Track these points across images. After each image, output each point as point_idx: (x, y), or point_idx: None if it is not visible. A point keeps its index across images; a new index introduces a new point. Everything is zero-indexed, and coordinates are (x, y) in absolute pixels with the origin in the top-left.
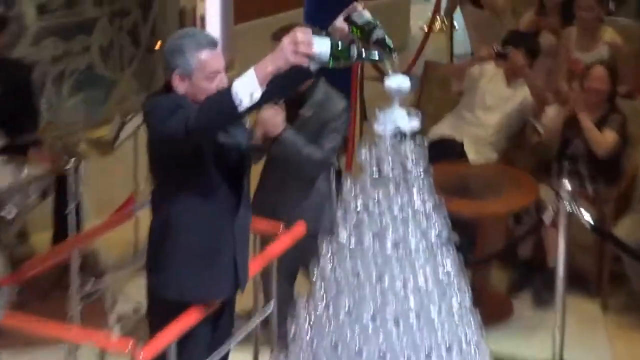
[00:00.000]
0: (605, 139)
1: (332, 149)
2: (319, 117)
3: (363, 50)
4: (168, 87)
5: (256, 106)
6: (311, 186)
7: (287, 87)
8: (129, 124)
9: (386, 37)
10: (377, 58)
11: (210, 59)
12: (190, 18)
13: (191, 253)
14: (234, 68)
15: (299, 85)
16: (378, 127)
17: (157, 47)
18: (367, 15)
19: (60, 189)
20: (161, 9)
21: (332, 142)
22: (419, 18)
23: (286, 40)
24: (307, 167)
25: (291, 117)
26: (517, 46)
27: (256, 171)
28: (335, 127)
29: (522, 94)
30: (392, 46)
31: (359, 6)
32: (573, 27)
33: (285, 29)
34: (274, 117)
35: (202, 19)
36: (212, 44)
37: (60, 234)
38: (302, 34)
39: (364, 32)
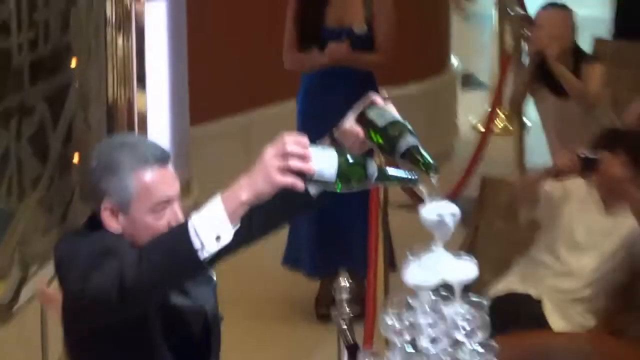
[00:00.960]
0: None
1: None
2: None
3: (386, 166)
4: (93, 224)
5: (227, 252)
6: None
7: (273, 224)
8: (34, 279)
9: (420, 145)
10: (407, 177)
11: (158, 181)
12: (123, 117)
13: None
14: (191, 193)
15: (291, 218)
16: (412, 280)
17: (75, 161)
18: (391, 111)
19: None
20: (80, 102)
21: None
22: (470, 112)
23: (270, 153)
24: None
25: None
26: (613, 149)
27: None
28: None
29: (629, 225)
30: (429, 159)
31: (379, 98)
32: None
33: None
34: None
35: (143, 118)
36: (161, 159)
37: None
38: (293, 142)
39: (388, 139)
